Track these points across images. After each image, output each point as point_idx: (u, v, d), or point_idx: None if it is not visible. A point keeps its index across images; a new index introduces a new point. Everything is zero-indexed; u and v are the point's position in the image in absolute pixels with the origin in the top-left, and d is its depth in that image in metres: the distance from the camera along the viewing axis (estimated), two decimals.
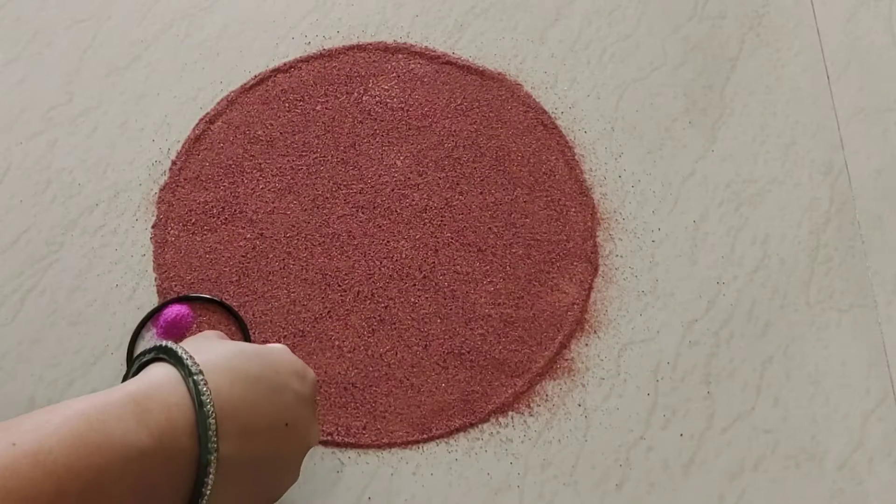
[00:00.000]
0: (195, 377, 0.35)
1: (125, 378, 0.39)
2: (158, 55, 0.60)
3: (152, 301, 0.53)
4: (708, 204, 0.57)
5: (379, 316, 0.53)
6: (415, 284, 0.54)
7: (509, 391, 0.52)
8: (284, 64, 0.60)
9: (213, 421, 0.34)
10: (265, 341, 0.53)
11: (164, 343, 0.37)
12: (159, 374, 0.35)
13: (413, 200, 0.56)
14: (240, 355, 0.38)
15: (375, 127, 0.58)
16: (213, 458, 0.34)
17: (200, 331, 0.52)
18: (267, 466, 0.38)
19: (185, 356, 0.36)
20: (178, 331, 0.52)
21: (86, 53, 0.60)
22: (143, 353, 0.38)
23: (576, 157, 0.58)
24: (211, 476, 0.34)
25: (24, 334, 0.52)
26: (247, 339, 0.52)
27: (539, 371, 0.52)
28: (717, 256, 0.56)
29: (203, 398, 0.34)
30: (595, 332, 0.54)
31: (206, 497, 0.34)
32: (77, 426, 0.31)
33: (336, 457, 0.50)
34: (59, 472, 0.30)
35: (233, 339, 0.52)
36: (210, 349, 0.38)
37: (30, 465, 0.29)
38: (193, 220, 0.55)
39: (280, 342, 0.53)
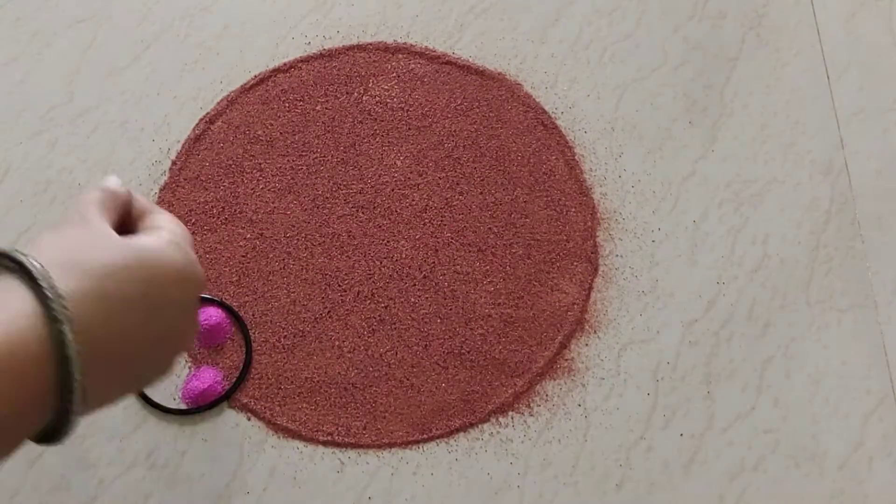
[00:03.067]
0: (61, 327, 0.29)
1: None
2: (158, 55, 0.60)
3: None
4: (708, 204, 0.57)
5: (379, 316, 0.53)
6: (415, 284, 0.54)
7: (509, 391, 0.52)
8: (284, 64, 0.60)
9: (79, 381, 0.30)
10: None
11: (27, 263, 0.30)
12: (19, 314, 0.29)
13: (413, 200, 0.56)
14: (120, 273, 0.32)
15: (375, 127, 0.58)
16: (72, 417, 0.30)
17: (205, 328, 0.52)
18: (135, 376, 0.35)
19: (50, 294, 0.29)
20: None
21: (86, 53, 0.60)
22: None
23: (576, 157, 0.58)
24: (70, 432, 0.31)
25: None
26: (247, 339, 0.52)
27: (539, 371, 0.52)
28: (717, 256, 0.56)
29: (68, 352, 0.29)
30: (595, 332, 0.54)
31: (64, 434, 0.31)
32: None
33: (336, 457, 0.50)
34: None
35: (231, 340, 0.52)
36: (81, 264, 0.32)
37: None
38: (193, 220, 0.55)
39: (280, 342, 0.53)
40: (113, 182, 0.37)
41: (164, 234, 0.36)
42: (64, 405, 0.30)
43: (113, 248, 0.33)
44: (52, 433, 0.31)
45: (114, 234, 0.35)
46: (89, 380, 0.30)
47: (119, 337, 0.32)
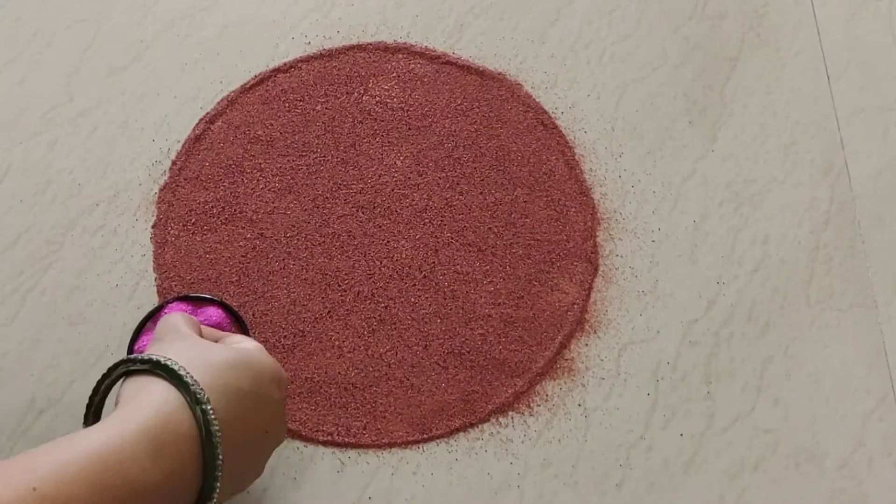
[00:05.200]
0: (204, 406, 0.35)
1: (103, 379, 0.38)
2: (158, 55, 0.60)
3: (152, 301, 0.53)
4: (708, 204, 0.57)
5: (379, 316, 0.53)
6: (415, 284, 0.54)
7: (509, 391, 0.52)
8: (284, 64, 0.60)
9: (220, 452, 0.35)
10: (264, 341, 0.53)
11: (161, 359, 0.36)
12: (165, 401, 0.35)
13: (413, 200, 0.56)
14: (232, 370, 0.38)
15: (375, 127, 0.58)
16: (217, 485, 0.35)
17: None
18: (244, 470, 0.39)
19: (190, 381, 0.35)
20: None
21: (86, 53, 0.60)
22: (134, 361, 0.37)
23: (576, 157, 0.58)
24: (214, 499, 0.35)
25: (24, 334, 0.52)
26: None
27: (539, 371, 0.52)
28: (717, 256, 0.56)
29: (213, 429, 0.34)
30: (595, 332, 0.54)
31: None
32: (96, 470, 0.31)
33: (336, 457, 0.50)
34: None
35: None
36: (202, 363, 0.37)
37: None
38: (193, 220, 0.55)
39: (280, 342, 0.53)
40: (187, 314, 0.44)
41: (253, 344, 0.42)
42: (207, 484, 0.35)
43: (223, 350, 0.39)
44: None
45: (213, 343, 0.41)
46: (224, 462, 0.35)
47: (238, 423, 0.37)
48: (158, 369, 0.36)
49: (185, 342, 0.40)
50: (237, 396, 0.37)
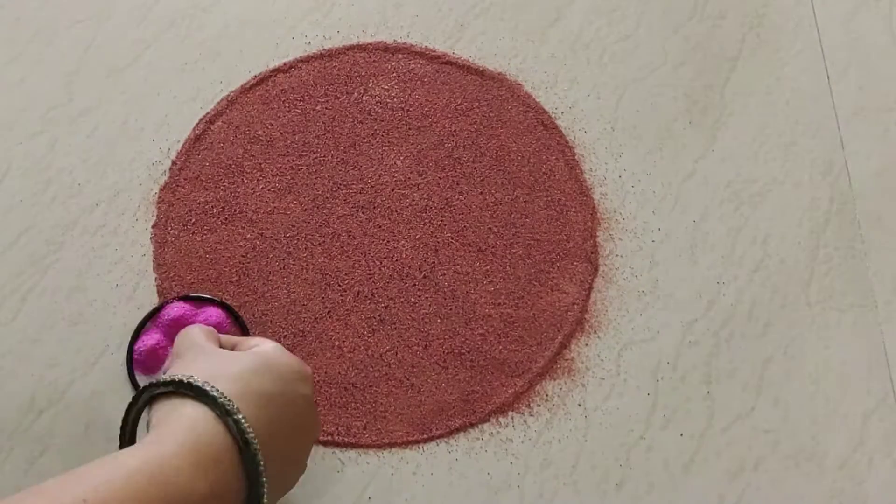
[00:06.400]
0: (235, 417, 0.35)
1: (131, 407, 0.38)
2: (158, 55, 0.60)
3: (152, 301, 0.53)
4: (708, 204, 0.57)
5: (379, 316, 0.53)
6: (415, 284, 0.54)
7: (509, 391, 0.52)
8: (284, 64, 0.60)
9: (261, 457, 0.35)
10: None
11: (184, 378, 0.36)
12: (196, 418, 0.35)
13: (413, 200, 0.56)
14: (255, 375, 0.38)
15: (375, 127, 0.58)
16: (264, 491, 0.35)
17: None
18: (287, 469, 0.40)
19: (217, 395, 0.36)
20: (180, 330, 0.52)
21: (86, 53, 0.60)
22: (158, 385, 0.37)
23: (576, 157, 0.58)
24: None
25: (24, 334, 0.52)
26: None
27: (539, 371, 0.52)
28: (717, 256, 0.56)
29: (248, 437, 0.35)
30: (595, 332, 0.54)
31: None
32: (140, 484, 0.32)
33: (336, 457, 0.50)
34: None
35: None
36: (224, 373, 0.38)
37: None
38: (193, 220, 0.55)
39: (280, 342, 0.53)
40: (204, 326, 0.45)
41: (271, 345, 0.42)
42: (255, 490, 0.35)
43: (244, 358, 0.40)
44: None
45: (232, 351, 0.41)
46: (266, 466, 0.35)
47: (272, 425, 0.37)
48: (183, 388, 0.36)
49: (204, 357, 0.40)
50: (266, 401, 0.38)
